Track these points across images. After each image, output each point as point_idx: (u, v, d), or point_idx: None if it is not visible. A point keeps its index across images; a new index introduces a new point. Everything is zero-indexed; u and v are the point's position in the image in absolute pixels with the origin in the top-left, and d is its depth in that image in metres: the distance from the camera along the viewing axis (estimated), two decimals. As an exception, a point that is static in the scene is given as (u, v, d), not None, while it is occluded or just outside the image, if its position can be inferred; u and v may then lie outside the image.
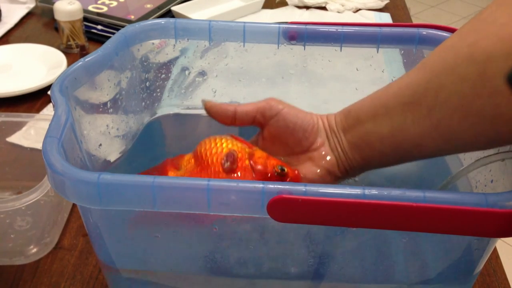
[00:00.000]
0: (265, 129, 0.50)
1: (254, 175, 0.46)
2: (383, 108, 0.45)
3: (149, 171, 0.51)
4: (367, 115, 0.46)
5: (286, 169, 0.46)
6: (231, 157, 0.47)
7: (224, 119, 0.51)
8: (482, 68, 0.37)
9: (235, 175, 0.46)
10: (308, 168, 0.48)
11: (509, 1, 0.38)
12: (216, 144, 0.49)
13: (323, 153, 0.49)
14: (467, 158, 0.54)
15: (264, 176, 0.46)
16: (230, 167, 0.46)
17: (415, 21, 2.11)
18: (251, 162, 0.47)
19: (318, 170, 0.48)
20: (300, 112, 0.50)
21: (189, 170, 0.49)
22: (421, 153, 0.45)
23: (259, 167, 0.46)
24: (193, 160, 0.50)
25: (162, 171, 0.50)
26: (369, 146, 0.46)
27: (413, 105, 0.43)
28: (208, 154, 0.48)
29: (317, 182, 0.47)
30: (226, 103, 0.51)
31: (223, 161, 0.47)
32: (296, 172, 0.47)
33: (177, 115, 0.66)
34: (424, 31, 0.57)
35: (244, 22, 0.58)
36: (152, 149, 0.64)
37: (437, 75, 0.41)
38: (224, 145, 0.48)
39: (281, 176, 0.46)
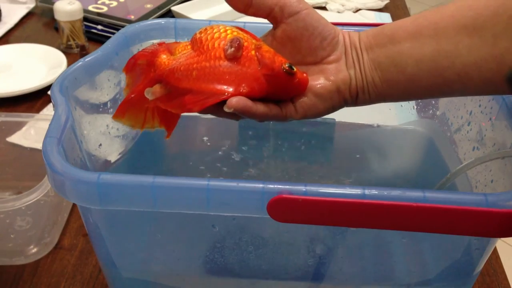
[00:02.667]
0: (280, 28, 0.45)
1: (259, 68, 0.42)
2: (431, 27, 0.40)
3: (140, 54, 0.47)
4: (406, 34, 0.42)
5: (295, 68, 0.42)
6: (236, 42, 0.42)
7: (238, 3, 0.45)
8: None
9: (238, 64, 0.42)
10: (317, 80, 0.44)
11: None
12: (219, 30, 0.44)
13: (338, 68, 0.44)
14: (467, 157, 0.54)
15: (270, 71, 0.41)
16: (234, 53, 0.42)
17: (415, 21, 2.10)
18: (258, 54, 0.42)
19: (328, 85, 0.44)
20: (323, 19, 0.45)
21: (185, 55, 0.44)
22: (461, 87, 0.41)
23: (266, 60, 0.42)
24: (189, 46, 0.45)
25: (153, 53, 0.46)
26: (398, 68, 0.42)
27: (474, 29, 0.38)
28: (209, 38, 0.43)
29: (324, 97, 0.44)
30: None
31: (226, 47, 0.42)
32: (305, 75, 0.43)
33: (177, 115, 0.66)
34: (424, 31, 0.57)
35: (244, 22, 0.58)
36: (152, 150, 0.64)
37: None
38: (228, 31, 0.43)
39: (289, 75, 0.41)
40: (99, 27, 1.10)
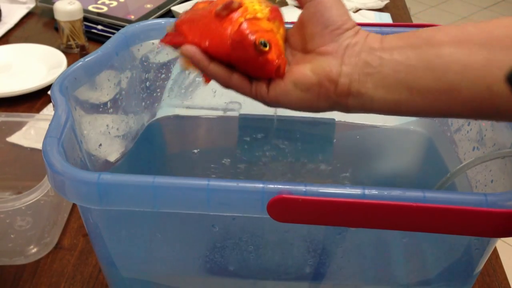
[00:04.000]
0: (301, 12, 0.44)
1: (236, 34, 0.41)
2: (483, 36, 0.37)
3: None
4: (449, 38, 0.38)
5: (268, 48, 0.41)
6: (226, 5, 0.42)
7: None
8: None
9: (220, 22, 0.42)
10: (300, 69, 0.41)
11: None
12: None
13: (328, 61, 0.40)
14: (467, 157, 0.54)
15: (239, 37, 0.41)
16: (219, 13, 0.42)
17: (415, 21, 2.12)
18: (244, 22, 0.42)
19: (309, 75, 0.41)
20: (338, 9, 0.42)
21: (206, 6, 0.45)
22: (509, 105, 0.36)
23: (244, 29, 0.41)
24: None
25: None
26: (435, 73, 0.37)
27: None
28: None
29: (300, 86, 0.41)
30: None
31: (219, 6, 0.43)
32: (278, 61, 0.41)
33: (177, 117, 0.66)
34: (424, 31, 0.57)
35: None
36: (152, 150, 0.64)
37: None
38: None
39: (257, 51, 0.41)
40: (99, 27, 1.10)
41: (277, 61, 0.41)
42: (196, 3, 0.48)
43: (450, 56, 0.37)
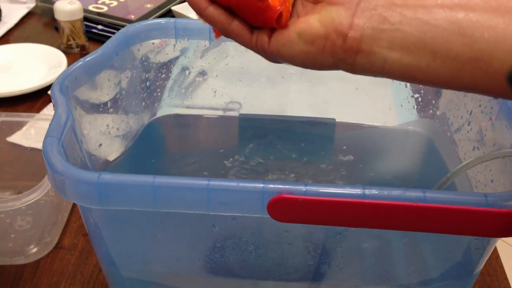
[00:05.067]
0: None
1: None
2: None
3: None
4: (485, 4, 0.34)
5: None
6: None
7: None
8: None
9: None
10: (306, 19, 0.37)
11: None
12: None
13: (338, 12, 0.36)
14: (467, 157, 0.54)
15: None
16: None
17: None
18: None
19: (315, 26, 0.37)
20: None
21: None
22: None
23: None
24: None
25: None
26: (465, 39, 0.34)
27: None
28: None
29: (305, 37, 0.37)
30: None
31: None
32: (279, 7, 0.38)
33: (177, 116, 0.66)
34: (424, 31, 0.57)
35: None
36: (152, 149, 0.64)
37: None
38: None
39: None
40: (99, 27, 1.10)
41: (279, 7, 0.37)
42: None
43: (486, 23, 0.34)
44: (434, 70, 0.35)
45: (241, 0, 0.39)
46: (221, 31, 0.40)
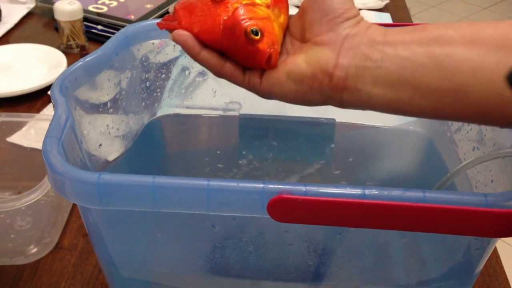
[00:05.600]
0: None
1: (228, 20, 0.40)
2: (498, 37, 0.35)
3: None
4: (460, 37, 0.35)
5: (259, 37, 0.39)
6: None
7: None
8: None
9: (214, 8, 0.41)
10: (294, 59, 0.40)
11: None
12: None
13: (323, 52, 0.38)
14: (467, 157, 0.54)
15: (231, 25, 0.40)
16: None
17: (415, 21, 2.11)
18: (239, 7, 0.40)
19: (303, 67, 0.39)
20: None
21: None
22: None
23: (236, 16, 0.40)
24: None
25: None
26: (444, 72, 0.35)
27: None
28: None
29: (294, 77, 0.39)
30: None
31: None
32: (270, 50, 0.39)
33: (177, 115, 0.66)
34: (424, 31, 0.57)
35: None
36: (152, 149, 0.64)
37: None
38: None
39: (247, 39, 0.39)
40: (99, 27, 1.10)
41: (268, 50, 0.39)
42: None
43: (461, 56, 0.35)
44: (417, 103, 0.37)
45: (232, 44, 0.41)
46: (215, 73, 0.43)
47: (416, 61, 0.36)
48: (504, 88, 0.34)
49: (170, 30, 0.44)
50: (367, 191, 0.37)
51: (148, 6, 1.17)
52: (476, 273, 0.47)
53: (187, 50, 0.42)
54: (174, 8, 0.45)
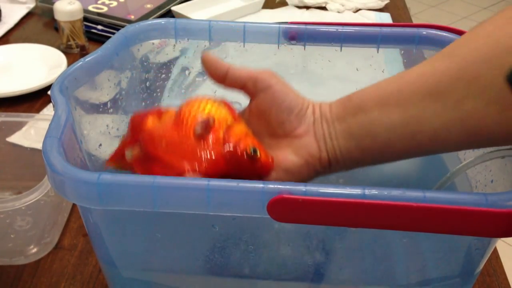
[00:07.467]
0: (254, 102, 0.47)
1: (223, 152, 0.43)
2: (396, 96, 0.41)
3: (135, 114, 0.49)
4: (373, 103, 0.43)
5: (259, 153, 0.43)
6: (205, 124, 0.44)
7: (215, 74, 0.47)
8: None
9: (204, 144, 0.43)
10: (285, 156, 0.45)
11: None
12: (199, 106, 0.45)
13: (306, 142, 0.45)
14: (467, 156, 0.54)
15: (232, 156, 0.43)
16: (201, 134, 0.43)
17: (415, 21, 2.12)
18: (226, 135, 0.44)
19: (296, 160, 0.44)
20: (292, 92, 0.46)
21: (165, 124, 0.46)
22: (436, 147, 0.42)
23: (230, 145, 0.43)
24: (174, 117, 0.46)
25: (144, 115, 0.48)
26: (371, 136, 0.43)
27: (437, 95, 0.39)
28: (187, 114, 0.45)
29: (292, 171, 0.44)
30: (222, 61, 0.48)
31: (197, 127, 0.44)
32: (270, 160, 0.44)
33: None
34: (424, 31, 0.57)
35: (244, 22, 0.58)
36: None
37: (472, 63, 0.38)
38: (207, 109, 0.45)
39: (251, 159, 0.42)
40: (99, 27, 1.10)
41: (270, 161, 0.44)
42: (145, 120, 0.47)
43: (377, 119, 0.42)
44: (368, 160, 0.45)
45: (238, 168, 0.43)
46: None
47: (353, 132, 0.44)
48: (417, 133, 0.41)
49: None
50: (367, 191, 0.37)
51: (148, 6, 1.17)
52: (476, 273, 0.47)
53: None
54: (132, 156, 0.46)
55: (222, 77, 0.47)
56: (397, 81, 0.43)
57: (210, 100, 0.46)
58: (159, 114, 0.47)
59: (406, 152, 0.43)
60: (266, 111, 0.46)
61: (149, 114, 0.47)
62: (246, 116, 0.48)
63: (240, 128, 0.45)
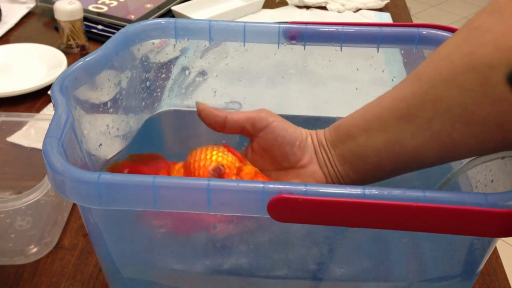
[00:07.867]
0: (255, 141, 0.49)
1: None
2: (376, 121, 0.44)
3: (143, 163, 0.50)
4: (358, 129, 0.46)
5: None
6: (217, 172, 0.46)
7: (214, 125, 0.50)
8: (483, 77, 0.37)
9: None
10: None
11: (500, 9, 0.38)
12: (206, 156, 0.48)
13: (311, 170, 0.48)
14: (467, 158, 0.54)
15: None
16: None
17: (415, 21, 2.11)
18: (238, 178, 0.46)
19: None
20: (290, 126, 0.49)
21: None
22: (421, 164, 0.45)
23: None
24: (182, 170, 0.49)
25: (154, 171, 0.50)
26: (362, 159, 0.46)
27: (409, 117, 0.42)
28: (196, 166, 0.47)
29: None
30: (218, 108, 0.50)
31: (209, 175, 0.46)
32: None
33: (176, 111, 0.66)
34: (425, 31, 0.57)
35: (244, 22, 0.58)
36: (151, 145, 0.64)
37: (433, 86, 0.41)
38: (214, 157, 0.47)
39: None
40: (99, 27, 1.10)
41: None
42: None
43: (364, 143, 0.45)
44: (366, 180, 0.47)
45: None
46: None
47: (346, 156, 0.47)
48: (400, 154, 0.44)
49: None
50: (367, 191, 0.37)
51: (148, 6, 1.17)
52: (476, 273, 0.47)
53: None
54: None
55: (221, 126, 0.50)
56: (377, 105, 0.45)
57: (213, 148, 0.48)
58: (167, 169, 0.50)
59: (396, 170, 0.46)
60: (269, 148, 0.48)
61: (159, 171, 0.49)
62: (249, 155, 0.50)
63: (249, 168, 0.47)
